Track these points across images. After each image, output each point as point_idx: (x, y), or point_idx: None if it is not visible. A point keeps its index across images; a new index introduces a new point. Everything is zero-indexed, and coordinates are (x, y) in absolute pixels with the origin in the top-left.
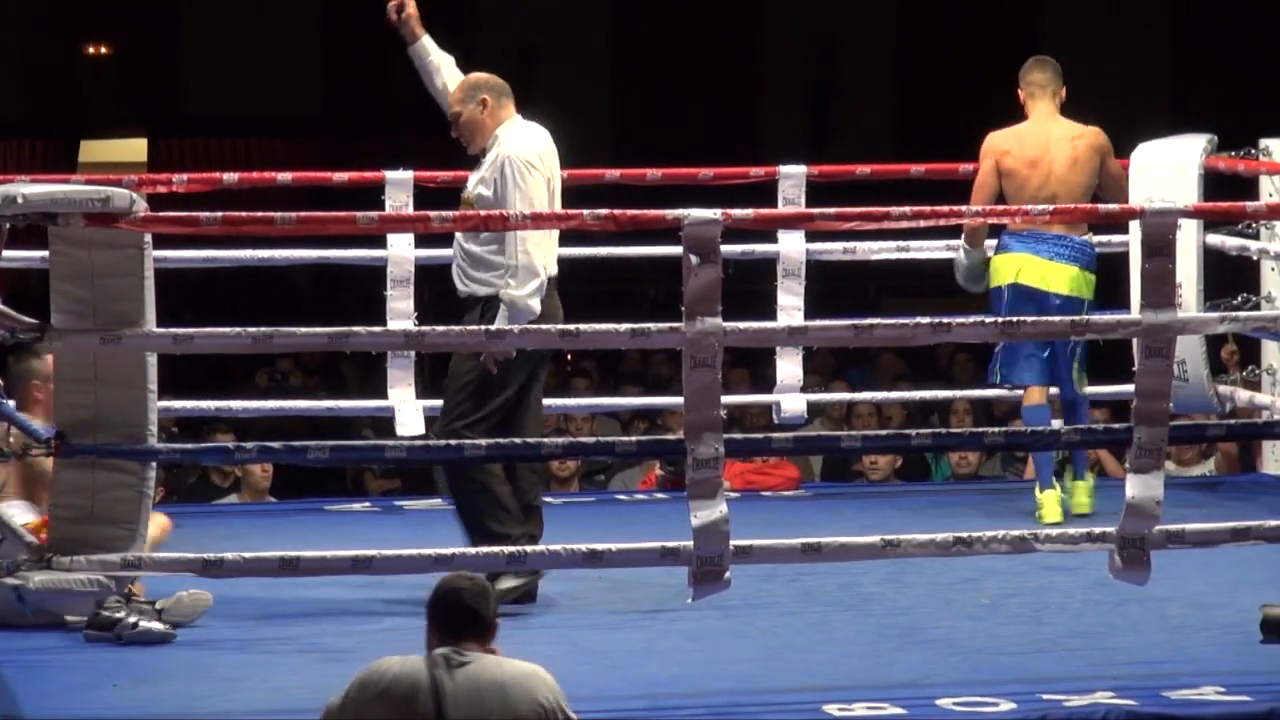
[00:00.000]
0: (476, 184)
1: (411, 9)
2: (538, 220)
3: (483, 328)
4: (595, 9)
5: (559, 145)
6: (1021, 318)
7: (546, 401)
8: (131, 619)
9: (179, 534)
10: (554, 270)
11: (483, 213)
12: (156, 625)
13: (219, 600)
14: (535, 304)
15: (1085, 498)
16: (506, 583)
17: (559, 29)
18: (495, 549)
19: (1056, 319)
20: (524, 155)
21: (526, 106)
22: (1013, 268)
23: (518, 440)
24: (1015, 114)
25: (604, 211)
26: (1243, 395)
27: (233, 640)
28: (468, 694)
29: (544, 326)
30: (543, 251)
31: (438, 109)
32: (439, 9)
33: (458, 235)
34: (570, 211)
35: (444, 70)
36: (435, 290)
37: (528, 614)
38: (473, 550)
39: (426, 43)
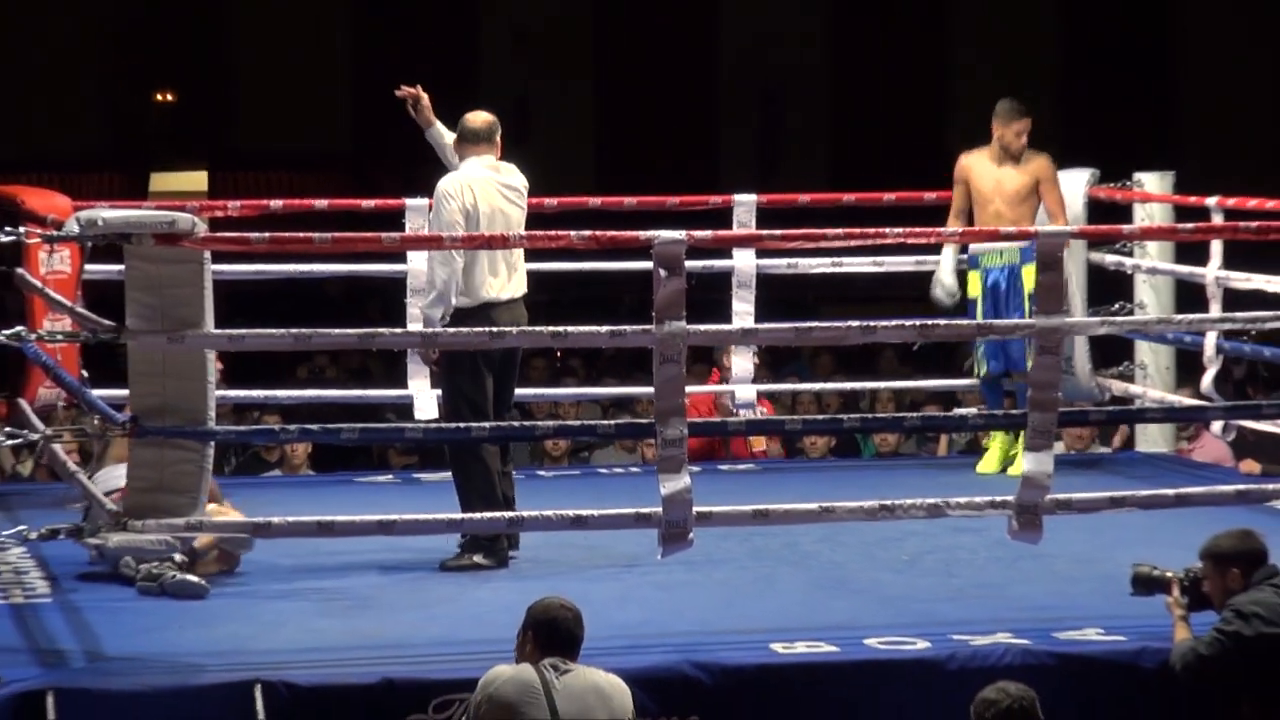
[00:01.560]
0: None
1: (424, 101)
2: (532, 240)
3: (487, 329)
4: (580, 65)
5: (551, 177)
6: (936, 321)
7: (540, 391)
8: (171, 572)
9: (232, 502)
10: (521, 290)
11: (486, 234)
12: (192, 577)
13: (264, 555)
14: (434, 314)
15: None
16: (475, 558)
17: (550, 81)
18: (496, 514)
19: (965, 322)
20: (445, 187)
21: (522, 146)
22: None
23: (515, 424)
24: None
25: (588, 233)
26: (1119, 386)
27: (276, 590)
28: (574, 695)
29: (536, 329)
30: (448, 271)
31: None
32: (445, 61)
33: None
34: (559, 233)
35: (452, 146)
36: None
37: (526, 569)
38: (478, 515)
39: (440, 127)
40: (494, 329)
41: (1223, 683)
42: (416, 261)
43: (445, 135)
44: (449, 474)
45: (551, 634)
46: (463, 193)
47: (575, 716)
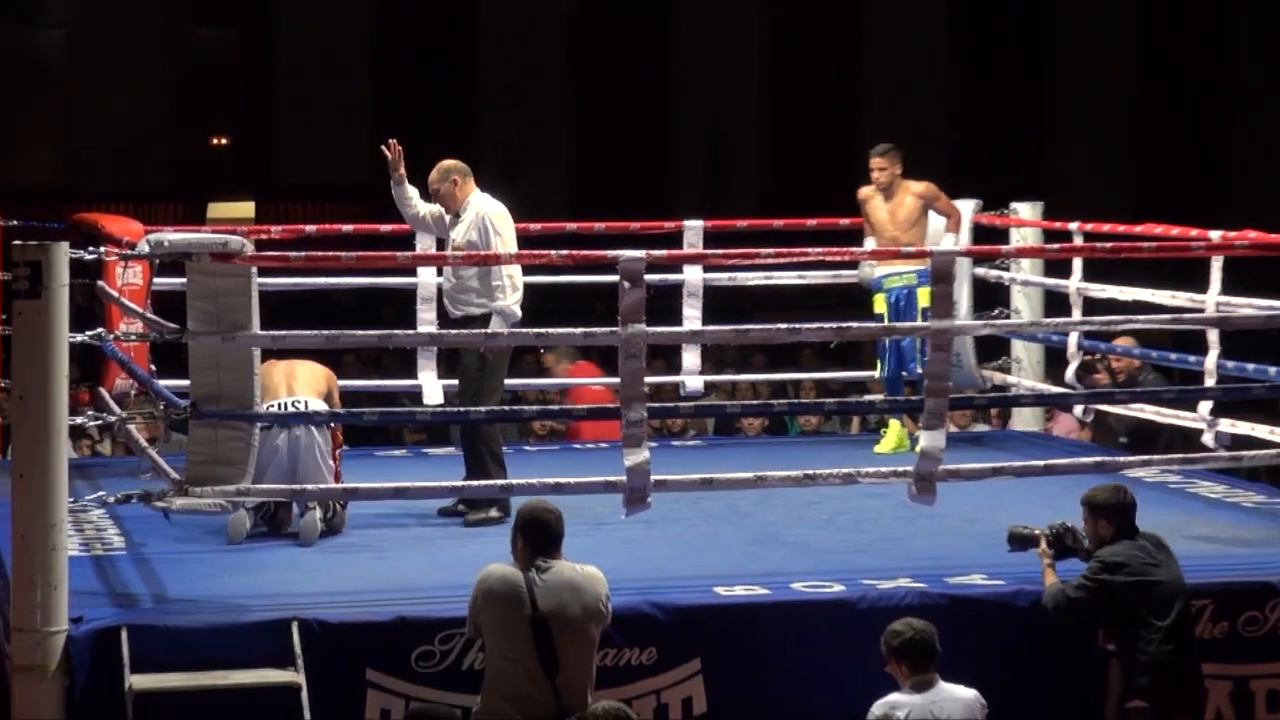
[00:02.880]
0: (465, 234)
1: (401, 165)
2: (519, 258)
3: (482, 331)
4: (560, 114)
5: (535, 207)
6: (848, 324)
7: (528, 381)
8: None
9: None
10: None
11: (493, 251)
12: (245, 524)
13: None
14: (518, 310)
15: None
16: (490, 513)
17: (536, 128)
18: (491, 482)
19: (873, 325)
20: (497, 210)
21: (513, 181)
22: None
23: (507, 407)
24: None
25: (565, 252)
26: (999, 377)
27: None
28: (552, 591)
29: (523, 330)
30: (518, 274)
31: None
32: (448, 112)
33: (448, 271)
34: (542, 252)
35: (415, 200)
36: None
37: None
38: (477, 482)
39: (407, 184)
40: (487, 330)
41: (1084, 620)
42: (425, 275)
43: (412, 192)
44: (453, 449)
45: (537, 532)
46: (507, 216)
47: (553, 608)
